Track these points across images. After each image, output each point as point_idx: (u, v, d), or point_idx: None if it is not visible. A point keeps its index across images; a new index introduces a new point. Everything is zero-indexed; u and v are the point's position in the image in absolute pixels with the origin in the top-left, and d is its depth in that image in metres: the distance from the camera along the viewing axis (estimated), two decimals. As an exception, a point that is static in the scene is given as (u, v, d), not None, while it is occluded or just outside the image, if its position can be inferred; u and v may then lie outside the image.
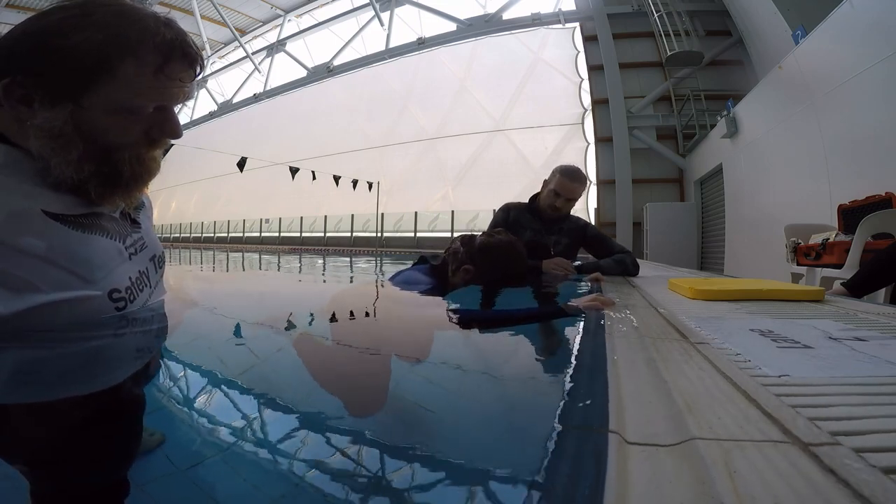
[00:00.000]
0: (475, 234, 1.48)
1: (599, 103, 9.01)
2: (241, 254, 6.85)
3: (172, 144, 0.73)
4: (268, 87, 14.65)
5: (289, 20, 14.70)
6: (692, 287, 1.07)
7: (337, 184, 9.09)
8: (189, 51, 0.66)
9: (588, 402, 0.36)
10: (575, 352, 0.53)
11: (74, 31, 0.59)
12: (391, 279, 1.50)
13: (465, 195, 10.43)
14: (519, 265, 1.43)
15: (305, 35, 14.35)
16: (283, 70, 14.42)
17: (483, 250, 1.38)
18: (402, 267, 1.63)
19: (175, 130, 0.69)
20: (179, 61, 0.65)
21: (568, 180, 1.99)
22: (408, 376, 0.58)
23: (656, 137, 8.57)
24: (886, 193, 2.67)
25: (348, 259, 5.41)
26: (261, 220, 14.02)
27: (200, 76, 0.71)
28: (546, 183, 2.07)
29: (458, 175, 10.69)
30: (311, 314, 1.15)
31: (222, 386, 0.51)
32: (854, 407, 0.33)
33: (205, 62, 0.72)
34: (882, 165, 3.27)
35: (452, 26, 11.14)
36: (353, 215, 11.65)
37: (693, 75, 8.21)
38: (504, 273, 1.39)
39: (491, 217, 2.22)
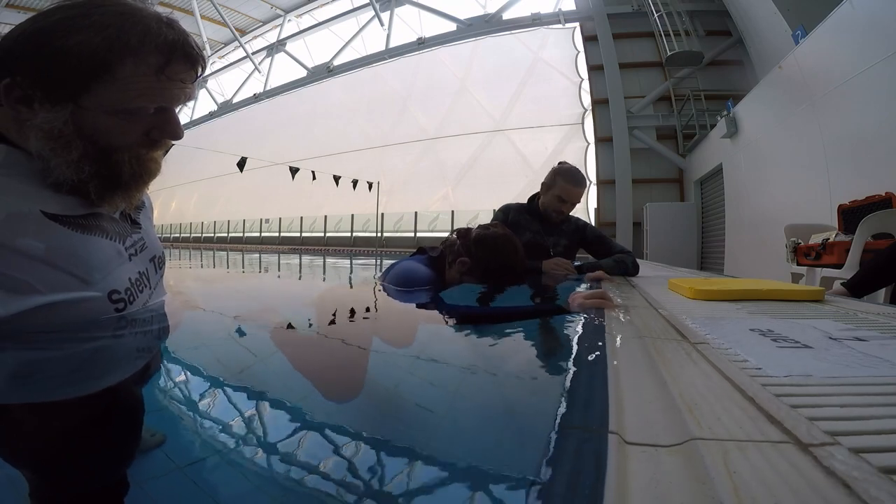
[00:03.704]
0: (471, 227, 1.48)
1: (599, 103, 9.01)
2: (241, 254, 6.84)
3: (173, 145, 0.73)
4: (268, 87, 14.64)
5: (289, 20, 14.69)
6: (692, 287, 1.07)
7: (337, 184, 9.09)
8: (191, 51, 0.65)
9: (588, 402, 0.36)
10: (575, 352, 0.53)
11: (74, 31, 0.58)
12: (389, 269, 1.50)
13: (465, 195, 10.42)
14: (515, 258, 1.42)
15: (305, 35, 14.35)
16: (283, 70, 14.43)
17: (478, 242, 1.38)
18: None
19: (176, 132, 0.68)
20: (181, 62, 0.64)
21: (572, 186, 1.99)
22: (407, 376, 0.58)
23: (656, 137, 8.57)
24: (886, 193, 2.67)
25: (348, 260, 5.41)
26: (261, 220, 14.02)
27: (201, 76, 0.71)
28: (546, 186, 2.05)
29: (458, 175, 10.69)
30: (308, 321, 1.14)
31: (221, 386, 0.51)
32: (853, 407, 0.33)
33: (206, 62, 0.71)
34: (882, 165, 3.27)
35: (452, 26, 11.14)
36: (353, 215, 11.65)
37: (693, 75, 8.21)
38: (500, 266, 1.39)
39: (490, 217, 2.22)
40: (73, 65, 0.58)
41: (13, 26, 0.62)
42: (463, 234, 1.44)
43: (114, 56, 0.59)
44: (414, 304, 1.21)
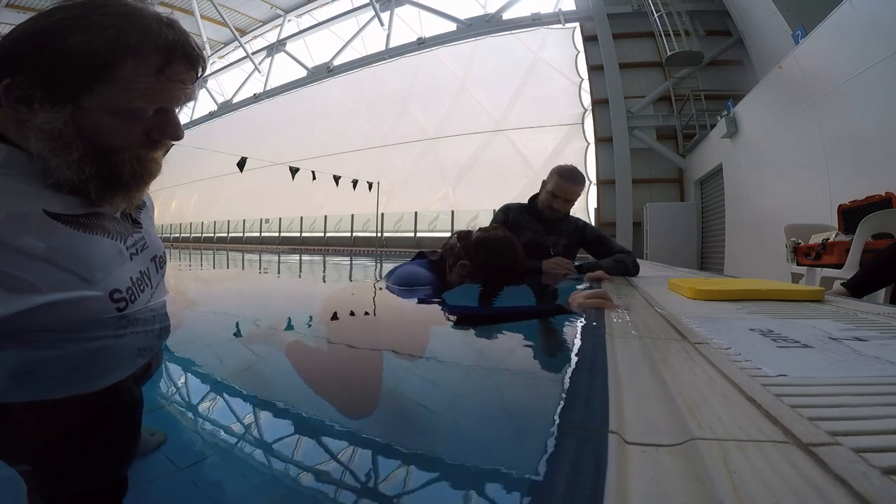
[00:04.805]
0: (471, 230, 1.48)
1: (599, 103, 9.01)
2: (241, 254, 6.84)
3: (173, 145, 0.73)
4: (268, 87, 14.64)
5: (289, 20, 14.69)
6: (692, 287, 1.07)
7: (337, 184, 9.09)
8: (191, 52, 0.65)
9: (588, 402, 0.36)
10: (575, 352, 0.53)
11: (74, 32, 0.58)
12: (391, 273, 1.50)
13: (465, 195, 10.42)
14: (514, 260, 1.43)
15: (305, 35, 14.35)
16: (283, 70, 14.43)
17: (479, 245, 1.39)
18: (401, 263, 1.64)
19: (176, 132, 0.68)
20: (181, 63, 0.64)
21: (566, 182, 1.99)
22: (407, 376, 0.58)
23: (656, 137, 8.57)
24: (886, 193, 2.67)
25: (348, 260, 5.40)
26: (261, 220, 14.01)
27: (201, 77, 0.71)
28: (545, 184, 2.07)
29: (458, 175, 10.69)
30: (309, 317, 1.15)
31: (222, 386, 0.51)
32: (854, 407, 0.33)
33: (206, 63, 0.71)
34: (882, 165, 3.27)
35: (452, 26, 11.14)
36: (353, 215, 11.65)
37: (693, 75, 8.21)
38: (500, 268, 1.40)
39: (491, 217, 2.22)
40: (74, 65, 0.58)
41: (13, 26, 0.62)
42: (463, 236, 1.44)
43: (114, 56, 0.59)
44: (415, 306, 1.21)
